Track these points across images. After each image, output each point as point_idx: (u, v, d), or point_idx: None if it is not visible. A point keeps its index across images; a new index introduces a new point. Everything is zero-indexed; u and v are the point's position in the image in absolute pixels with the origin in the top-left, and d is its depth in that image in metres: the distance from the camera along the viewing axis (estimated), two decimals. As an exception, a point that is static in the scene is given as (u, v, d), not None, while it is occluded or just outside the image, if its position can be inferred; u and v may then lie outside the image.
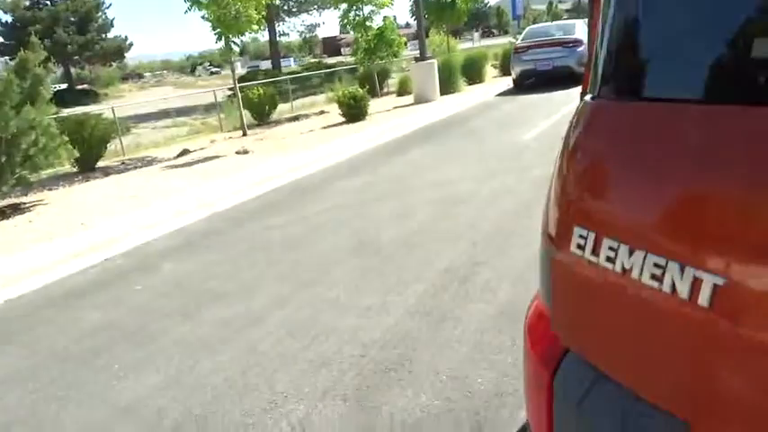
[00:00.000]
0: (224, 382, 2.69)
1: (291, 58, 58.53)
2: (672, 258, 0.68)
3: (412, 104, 13.53)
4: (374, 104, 13.23)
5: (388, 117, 11.80)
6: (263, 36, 30.33)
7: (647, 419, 0.70)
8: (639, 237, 0.73)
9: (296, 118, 14.14)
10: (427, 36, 17.41)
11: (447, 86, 14.58)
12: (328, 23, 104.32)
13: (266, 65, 43.59)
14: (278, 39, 38.64)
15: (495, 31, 67.10)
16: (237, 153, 9.54)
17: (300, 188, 6.78)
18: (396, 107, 13.51)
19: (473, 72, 16.60)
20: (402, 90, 16.26)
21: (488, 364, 2.52)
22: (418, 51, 14.75)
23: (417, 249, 4.07)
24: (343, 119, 11.89)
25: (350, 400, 2.42)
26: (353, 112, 11.73)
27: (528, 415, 0.99)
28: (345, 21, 14.59)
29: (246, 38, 12.50)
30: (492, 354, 2.60)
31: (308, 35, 47.70)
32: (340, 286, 3.62)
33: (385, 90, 17.86)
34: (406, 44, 16.37)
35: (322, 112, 14.52)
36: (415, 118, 11.25)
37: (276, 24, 36.41)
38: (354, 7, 14.16)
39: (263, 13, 10.79)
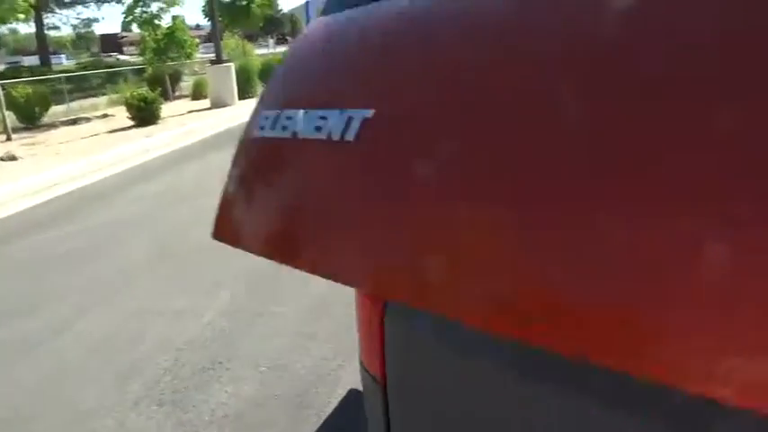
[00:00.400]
0: (18, 405, 2.39)
1: (63, 55, 52.03)
2: (332, 107, 0.77)
3: (208, 108, 13.08)
4: (167, 108, 12.51)
5: (184, 121, 11.26)
6: (29, 27, 26.65)
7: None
8: (308, 100, 0.84)
9: (74, 122, 12.70)
10: (221, 39, 16.98)
11: (245, 91, 14.40)
12: (109, 19, 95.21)
13: (31, 61, 38.21)
14: (46, 32, 34.18)
15: (289, 38, 67.87)
16: (2, 160, 8.29)
17: (89, 196, 6.17)
18: (191, 111, 12.94)
19: (271, 78, 16.61)
20: (197, 93, 15.60)
21: (306, 351, 2.63)
22: (211, 54, 14.34)
23: (226, 250, 4.00)
24: (133, 123, 11.03)
25: (166, 403, 2.33)
26: (144, 115, 10.96)
27: (362, 358, 1.13)
28: (131, 17, 13.58)
29: (4, 29, 10.90)
30: (309, 341, 2.71)
31: (83, 30, 43.04)
32: (146, 294, 3.43)
33: (178, 93, 16.94)
34: (198, 46, 15.78)
35: (106, 116, 13.27)
36: (212, 122, 10.92)
37: (45, 16, 32.21)
38: (141, 3, 13.25)
39: (32, 0, 9.54)
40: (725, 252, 0.46)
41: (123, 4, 13.61)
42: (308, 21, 27.73)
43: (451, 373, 0.93)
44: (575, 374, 0.83)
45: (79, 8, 36.98)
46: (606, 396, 0.77)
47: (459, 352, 0.88)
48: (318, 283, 3.31)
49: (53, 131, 11.25)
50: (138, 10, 13.39)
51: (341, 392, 2.33)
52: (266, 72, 16.32)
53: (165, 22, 13.91)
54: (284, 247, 0.88)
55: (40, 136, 10.65)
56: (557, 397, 0.84)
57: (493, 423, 0.92)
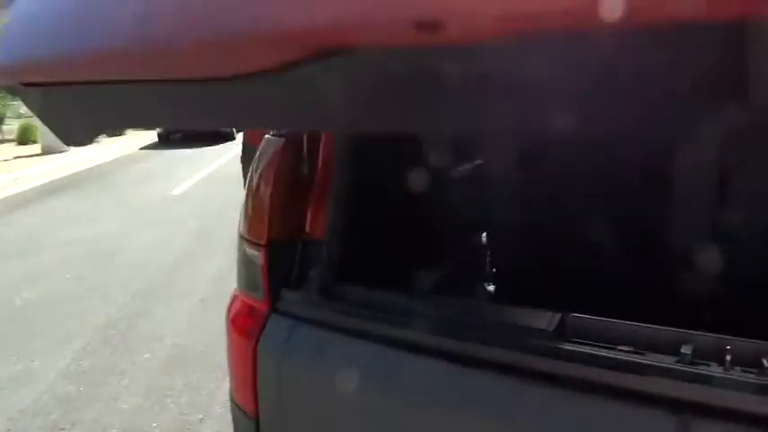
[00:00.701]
0: None
1: None
2: None
3: (39, 155, 11.93)
4: (-14, 153, 11.21)
5: (10, 167, 10.15)
6: None
7: (334, 343, 0.97)
8: None
9: None
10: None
11: (84, 137, 13.38)
12: None
13: None
14: None
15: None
16: None
17: None
18: (17, 157, 11.69)
19: (112, 124, 15.63)
20: (25, 138, 14.12)
21: (162, 408, 2.52)
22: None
23: (65, 307, 3.70)
24: (-57, 168, 9.70)
25: (-2, 481, 2.09)
26: (-42, 160, 9.69)
27: (234, 394, 1.17)
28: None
29: None
30: (165, 398, 2.60)
31: None
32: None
33: (0, 137, 15.24)
34: (27, 87, 14.40)
35: None
36: (44, 169, 9.97)
37: None
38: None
39: None
40: None
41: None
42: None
43: (325, 405, 1.01)
44: (442, 399, 0.97)
45: None
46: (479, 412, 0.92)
47: (332, 382, 0.97)
48: (172, 338, 3.18)
49: None
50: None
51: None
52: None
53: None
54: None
55: None
56: (428, 422, 0.97)
57: None
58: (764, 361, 0.85)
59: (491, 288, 2.02)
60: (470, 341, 1.01)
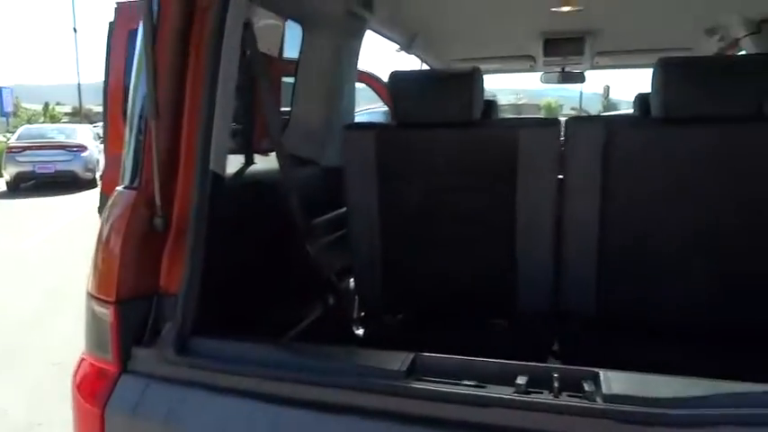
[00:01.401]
0: None
1: None
2: None
3: None
4: None
5: None
6: None
7: (190, 400, 0.93)
8: None
9: None
10: None
11: None
12: None
13: None
14: None
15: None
16: None
17: None
18: None
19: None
20: None
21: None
22: None
23: None
24: None
25: None
26: None
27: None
28: None
29: None
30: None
31: None
32: None
33: None
34: None
35: None
36: None
37: None
38: None
39: None
40: None
41: None
42: (2, 110, 24.41)
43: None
44: None
45: None
46: None
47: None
48: (21, 409, 2.84)
49: None
50: None
51: None
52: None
53: None
54: None
55: None
56: None
57: None
58: (585, 385, 0.95)
59: (360, 332, 2.05)
60: (331, 387, 1.02)
